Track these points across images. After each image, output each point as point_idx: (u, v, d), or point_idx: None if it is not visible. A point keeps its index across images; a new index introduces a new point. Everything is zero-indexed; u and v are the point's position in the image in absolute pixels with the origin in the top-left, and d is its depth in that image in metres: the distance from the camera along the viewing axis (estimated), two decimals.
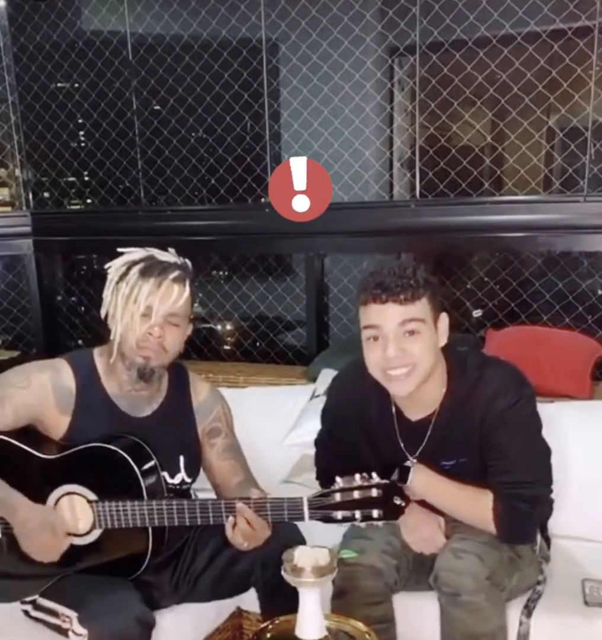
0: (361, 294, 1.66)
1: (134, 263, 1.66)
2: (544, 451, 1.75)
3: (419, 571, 1.81)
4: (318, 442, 1.99)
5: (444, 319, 1.69)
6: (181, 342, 1.72)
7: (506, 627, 1.69)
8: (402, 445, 1.78)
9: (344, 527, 1.77)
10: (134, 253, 1.69)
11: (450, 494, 1.74)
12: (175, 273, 1.65)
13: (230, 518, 1.57)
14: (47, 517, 1.62)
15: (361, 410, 1.83)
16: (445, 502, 1.76)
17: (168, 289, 1.64)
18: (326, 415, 1.96)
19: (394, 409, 1.79)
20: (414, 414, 1.77)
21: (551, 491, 1.78)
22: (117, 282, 1.66)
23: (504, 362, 1.77)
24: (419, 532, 1.77)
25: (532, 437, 1.72)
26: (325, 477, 1.88)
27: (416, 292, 1.61)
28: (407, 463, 1.74)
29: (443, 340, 1.69)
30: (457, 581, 1.61)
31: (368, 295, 1.63)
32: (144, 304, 1.62)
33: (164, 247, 1.74)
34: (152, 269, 1.65)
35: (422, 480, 1.73)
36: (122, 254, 1.70)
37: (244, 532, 1.56)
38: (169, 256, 1.70)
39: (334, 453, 1.91)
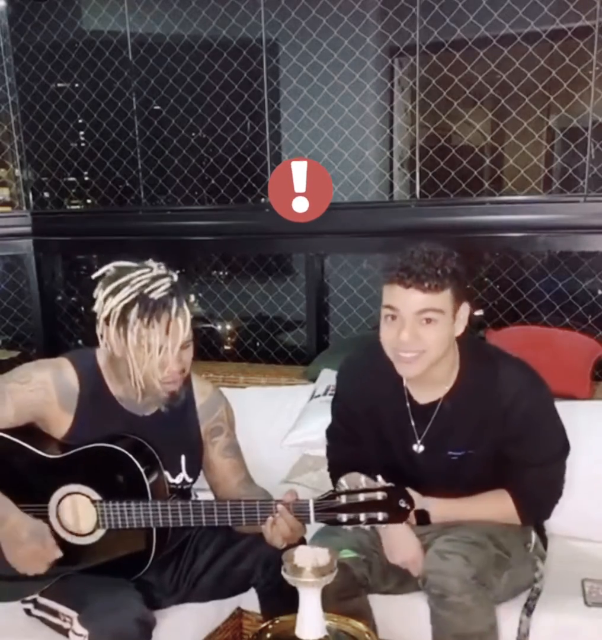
0: (387, 272, 1.67)
1: (129, 306, 1.58)
2: (562, 436, 1.80)
3: (401, 572, 1.82)
4: (328, 432, 2.01)
5: (465, 308, 1.69)
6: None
7: (496, 626, 1.69)
8: (413, 424, 1.80)
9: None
10: (123, 292, 1.59)
11: (470, 512, 1.79)
12: (174, 306, 1.59)
13: (269, 518, 1.55)
14: (37, 527, 1.61)
15: (371, 392, 1.84)
16: (467, 519, 1.79)
17: (174, 327, 1.59)
18: (335, 400, 1.98)
19: (406, 392, 1.81)
20: (423, 397, 1.79)
21: (564, 466, 1.82)
22: (118, 327, 1.60)
23: (515, 357, 1.80)
24: (402, 555, 1.79)
25: (554, 429, 1.79)
26: (336, 470, 1.90)
27: (440, 283, 1.62)
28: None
29: (460, 330, 1.70)
30: (443, 582, 1.62)
31: (394, 276, 1.64)
32: (158, 353, 1.59)
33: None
34: (153, 312, 1.57)
35: (440, 513, 1.78)
36: (102, 278, 1.63)
37: (284, 532, 1.55)
38: (159, 287, 1.60)
39: (344, 441, 1.93)
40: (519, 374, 1.74)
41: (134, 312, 1.58)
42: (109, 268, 1.65)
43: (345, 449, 1.92)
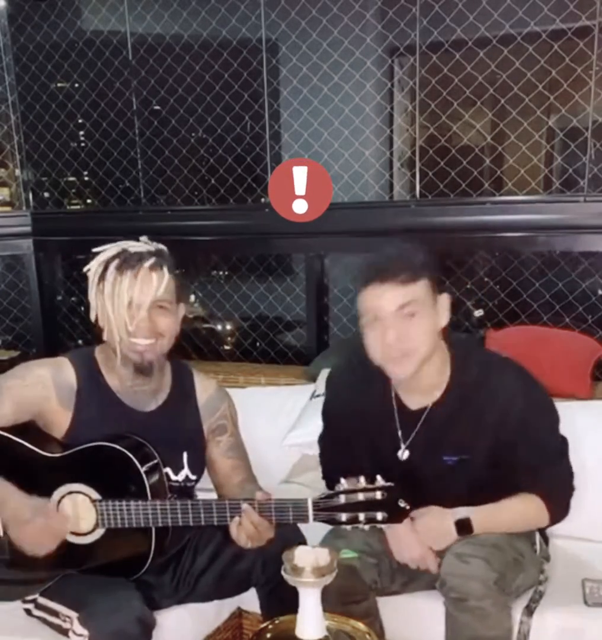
0: (359, 278, 1.66)
1: (110, 260, 1.67)
2: (557, 433, 1.79)
3: (408, 573, 1.81)
4: (319, 440, 2.00)
5: (444, 299, 1.68)
6: (176, 324, 1.72)
7: (512, 629, 1.68)
8: (399, 433, 1.77)
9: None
10: (108, 250, 1.69)
11: (506, 518, 1.74)
12: (151, 260, 1.66)
13: (236, 518, 1.56)
14: (39, 503, 1.60)
15: (359, 400, 1.82)
16: (505, 526, 1.74)
17: (146, 277, 1.65)
18: (324, 409, 1.96)
19: (394, 397, 1.79)
20: (415, 403, 1.77)
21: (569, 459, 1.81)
22: (98, 283, 1.67)
23: (509, 360, 1.77)
24: (410, 553, 1.76)
25: (550, 427, 1.76)
26: (329, 477, 1.88)
27: (414, 274, 1.61)
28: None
29: (443, 322, 1.69)
30: (465, 586, 1.60)
31: (366, 278, 1.63)
32: (127, 298, 1.63)
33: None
34: (128, 263, 1.65)
35: (481, 522, 1.71)
36: (97, 254, 1.70)
37: (249, 532, 1.56)
38: (141, 246, 1.71)
39: (334, 449, 1.91)
40: (512, 379, 1.72)
41: (112, 265, 1.66)
42: (111, 245, 1.71)
43: (337, 456, 1.89)
